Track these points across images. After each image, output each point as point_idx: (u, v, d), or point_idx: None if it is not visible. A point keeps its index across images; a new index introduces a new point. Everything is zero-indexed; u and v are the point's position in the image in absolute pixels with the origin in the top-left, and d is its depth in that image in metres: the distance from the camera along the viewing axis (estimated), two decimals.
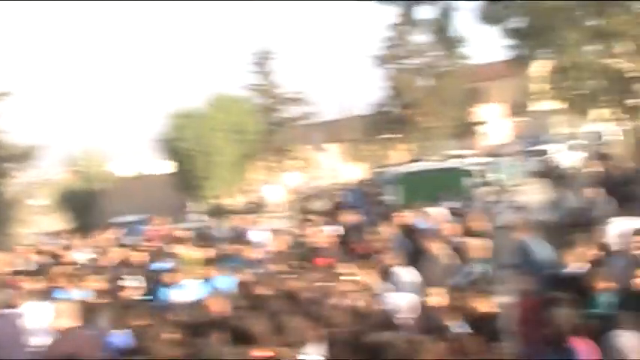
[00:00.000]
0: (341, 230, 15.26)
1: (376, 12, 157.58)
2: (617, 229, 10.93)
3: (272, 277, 10.42)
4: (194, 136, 46.07)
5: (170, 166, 50.51)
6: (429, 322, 7.82)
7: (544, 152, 38.88)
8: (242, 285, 10.06)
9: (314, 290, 9.08)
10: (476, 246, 10.63)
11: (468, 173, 20.54)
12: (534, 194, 20.33)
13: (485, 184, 21.14)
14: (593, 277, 8.30)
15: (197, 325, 7.77)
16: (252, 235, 17.17)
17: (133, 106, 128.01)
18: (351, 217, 16.61)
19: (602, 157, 24.17)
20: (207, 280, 11.33)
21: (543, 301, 8.05)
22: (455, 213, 15.71)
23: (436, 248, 11.13)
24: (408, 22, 31.85)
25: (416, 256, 11.35)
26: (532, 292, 8.87)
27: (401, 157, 48.88)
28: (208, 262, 13.10)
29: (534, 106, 49.49)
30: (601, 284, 8.15)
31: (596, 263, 9.14)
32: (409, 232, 13.44)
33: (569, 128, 47.83)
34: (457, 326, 7.27)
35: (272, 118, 54.17)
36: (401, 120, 53.24)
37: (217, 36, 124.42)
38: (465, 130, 54.74)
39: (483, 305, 7.65)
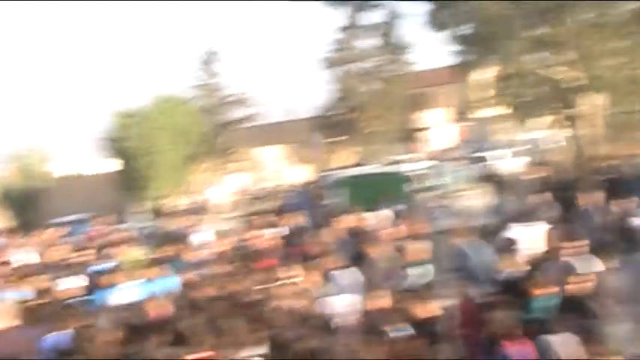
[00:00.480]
0: (284, 232, 15.26)
1: (324, 15, 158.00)
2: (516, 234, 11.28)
3: (214, 279, 10.39)
4: (138, 136, 45.61)
5: (113, 166, 49.93)
6: (370, 324, 7.88)
7: (486, 158, 39.33)
8: (184, 287, 10.01)
9: (256, 292, 9.09)
10: (417, 249, 10.74)
11: (411, 178, 20.73)
12: (476, 199, 20.56)
13: (428, 188, 21.35)
14: (530, 282, 8.46)
15: (137, 326, 7.72)
16: (196, 237, 17.07)
17: (77, 105, 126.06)
18: (294, 220, 16.64)
19: (543, 164, 24.65)
20: (148, 281, 11.21)
21: (482, 305, 8.21)
22: (397, 217, 15.86)
23: (378, 251, 11.21)
24: (354, 25, 32.08)
25: (358, 259, 11.40)
26: (471, 295, 9.00)
27: (345, 161, 49.10)
28: (150, 263, 12.99)
29: (478, 113, 50.04)
30: (537, 288, 8.31)
31: (533, 268, 9.32)
32: (352, 235, 13.50)
33: (512, 135, 48.55)
34: (398, 329, 7.34)
35: (217, 120, 53.87)
36: (346, 123, 53.43)
37: (163, 36, 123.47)
38: (410, 135, 55.16)
39: (424, 308, 7.74)
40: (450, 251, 11.51)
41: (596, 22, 20.59)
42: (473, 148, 47.93)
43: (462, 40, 21.72)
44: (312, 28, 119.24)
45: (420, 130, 56.70)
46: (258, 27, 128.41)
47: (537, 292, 8.30)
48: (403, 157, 37.88)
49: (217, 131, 52.79)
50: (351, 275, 10.31)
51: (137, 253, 14.63)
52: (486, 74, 24.26)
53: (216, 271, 11.46)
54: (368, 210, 15.92)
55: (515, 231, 12.45)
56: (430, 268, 10.68)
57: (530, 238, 11.44)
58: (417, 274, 10.19)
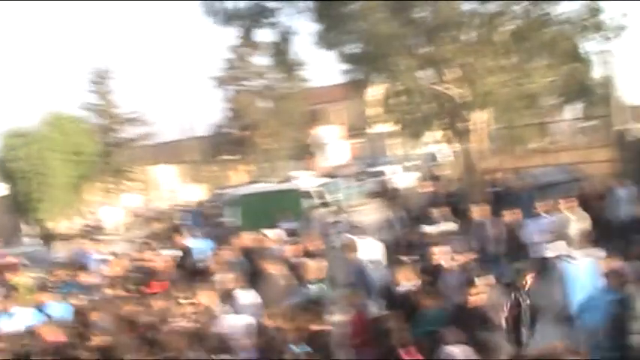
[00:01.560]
0: (179, 253, 15.11)
1: (216, 33, 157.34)
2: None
3: (108, 302, 10.22)
4: (28, 157, 44.22)
5: (3, 188, 48.26)
6: (268, 343, 7.92)
7: (380, 173, 39.99)
8: (77, 312, 9.80)
9: (151, 314, 8.99)
10: (313, 266, 10.82)
11: (306, 194, 20.88)
12: (371, 214, 20.90)
13: (323, 204, 21.56)
14: (422, 295, 8.67)
15: (29, 354, 7.53)
16: (89, 260, 16.69)
17: None
18: (189, 240, 16.49)
19: (434, 178, 25.27)
20: (40, 307, 10.91)
21: (374, 318, 8.37)
22: (293, 234, 15.95)
23: (274, 269, 11.25)
24: (247, 44, 32.03)
25: (254, 278, 11.41)
26: (365, 309, 9.15)
27: (240, 179, 49.03)
28: (41, 288, 12.65)
29: (371, 129, 50.93)
30: (428, 301, 8.52)
31: (425, 281, 9.54)
32: (247, 253, 13.49)
33: (404, 150, 49.59)
34: (296, 347, 7.40)
35: (110, 139, 52.85)
36: (240, 141, 53.44)
37: (54, 54, 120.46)
38: (304, 152, 55.59)
39: (318, 324, 7.81)
40: (346, 267, 11.63)
41: (480, 40, 21.30)
42: (367, 163, 48.67)
43: (352, 58, 22.05)
44: (206, 45, 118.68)
45: (315, 146, 57.15)
46: (152, 45, 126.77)
47: (428, 304, 8.51)
48: (298, 174, 38.11)
49: (111, 150, 51.81)
50: (248, 294, 10.31)
51: (28, 278, 14.22)
52: (377, 91, 24.71)
53: (111, 294, 11.27)
54: (263, 228, 15.94)
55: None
56: (327, 285, 10.77)
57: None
58: (313, 291, 10.25)
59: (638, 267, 8.01)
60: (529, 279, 8.67)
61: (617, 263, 8.41)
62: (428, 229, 15.26)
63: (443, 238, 12.44)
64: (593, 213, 14.09)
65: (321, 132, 59.64)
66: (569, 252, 10.76)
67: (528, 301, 8.51)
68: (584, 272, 9.76)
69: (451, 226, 14.75)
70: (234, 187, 32.10)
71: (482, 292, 7.74)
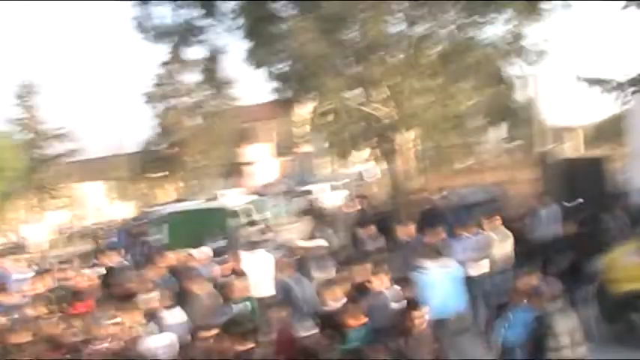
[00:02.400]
0: (104, 271, 14.87)
1: (146, 50, 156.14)
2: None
3: (30, 322, 9.99)
4: None
5: None
6: None
7: (308, 192, 40.07)
8: None
9: (74, 335, 8.84)
10: (240, 285, 10.78)
11: (233, 213, 20.78)
12: (299, 233, 20.88)
13: (251, 223, 21.49)
14: (346, 314, 8.72)
15: None
16: (9, 279, 16.28)
17: None
18: (114, 258, 16.23)
19: (362, 197, 25.43)
20: None
21: (300, 337, 8.40)
22: (220, 253, 15.85)
23: (200, 289, 11.17)
24: (177, 61, 31.97)
25: (180, 297, 11.32)
26: (290, 328, 9.16)
27: (168, 196, 48.59)
28: None
29: (300, 147, 51.20)
30: (353, 320, 8.58)
31: (350, 300, 9.59)
32: (174, 272, 13.36)
33: (333, 169, 49.89)
34: None
35: (35, 155, 51.86)
36: (169, 159, 53.01)
37: None
38: (233, 170, 55.41)
39: (244, 343, 7.78)
40: (279, 284, 11.63)
41: (407, 62, 21.66)
42: (295, 182, 48.72)
43: (280, 77, 22.18)
44: (135, 62, 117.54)
45: (244, 164, 57.05)
46: (79, 60, 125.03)
47: (353, 323, 8.56)
48: (227, 192, 37.95)
49: (36, 166, 50.81)
50: (173, 314, 10.21)
51: None
52: (306, 110, 24.88)
53: (33, 313, 11.02)
54: (190, 247, 15.79)
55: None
56: (254, 304, 10.74)
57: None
58: (239, 310, 10.21)
59: (557, 284, 8.20)
60: None
61: (535, 281, 8.61)
62: (353, 247, 15.38)
63: (368, 257, 12.52)
64: (516, 232, 14.36)
65: (250, 150, 59.56)
66: (422, 264, 11.19)
67: None
68: (440, 281, 10.67)
69: (377, 245, 14.85)
70: (161, 205, 31.80)
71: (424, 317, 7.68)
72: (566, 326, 7.49)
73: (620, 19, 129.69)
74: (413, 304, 8.24)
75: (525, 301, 8.22)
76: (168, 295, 10.67)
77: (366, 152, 26.27)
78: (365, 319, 8.67)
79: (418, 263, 11.19)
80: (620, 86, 26.23)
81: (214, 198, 31.10)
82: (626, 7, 26.35)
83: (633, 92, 24.35)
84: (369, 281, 10.19)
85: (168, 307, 10.34)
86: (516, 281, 9.00)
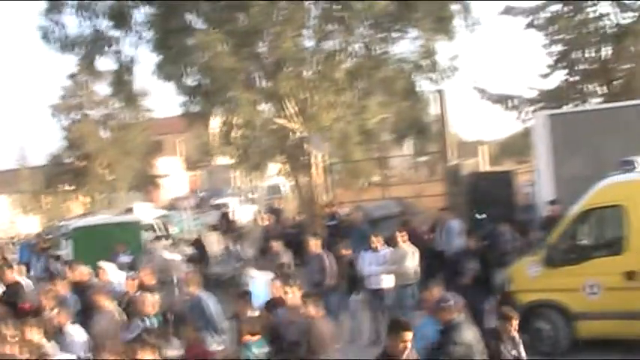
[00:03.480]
0: (8, 288, 14.45)
1: (55, 60, 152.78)
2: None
3: None
4: None
5: None
6: None
7: (221, 206, 39.92)
8: None
9: None
10: (148, 300, 10.64)
11: (142, 227, 20.53)
12: (211, 247, 20.78)
13: (163, 237, 21.27)
14: (246, 326, 8.74)
15: None
16: None
17: None
18: (16, 274, 15.77)
19: (274, 211, 25.50)
20: None
21: (211, 352, 8.39)
22: (130, 267, 15.64)
23: (108, 304, 10.99)
24: (87, 72, 31.39)
25: (88, 313, 11.12)
26: (202, 343, 9.12)
27: (78, 210, 47.62)
28: None
29: (212, 161, 50.90)
30: (248, 335, 8.59)
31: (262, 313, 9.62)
32: (82, 288, 13.10)
33: (245, 183, 49.79)
34: None
35: None
36: (79, 171, 51.95)
37: None
38: (145, 183, 54.69)
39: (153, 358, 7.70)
40: (185, 300, 11.54)
41: (319, 76, 21.86)
42: (207, 196, 48.46)
43: (192, 90, 22.07)
44: (44, 72, 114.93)
45: (155, 177, 56.35)
46: None
47: (250, 338, 8.58)
48: (138, 206, 37.40)
49: None
50: (80, 330, 10.02)
51: None
52: (217, 124, 24.78)
53: None
54: (99, 261, 15.50)
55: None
56: (164, 318, 10.63)
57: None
58: (149, 325, 10.08)
59: (460, 297, 8.37)
60: None
61: (439, 294, 8.78)
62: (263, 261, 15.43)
63: (279, 271, 12.56)
64: (423, 245, 14.62)
65: (161, 163, 58.89)
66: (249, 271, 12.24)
67: None
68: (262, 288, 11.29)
69: (286, 259, 14.89)
70: (70, 219, 31.13)
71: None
72: (469, 338, 7.66)
73: (524, 39, 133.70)
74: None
75: (430, 313, 8.37)
76: (71, 312, 10.46)
77: (277, 166, 26.34)
78: (260, 335, 8.68)
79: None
80: (521, 104, 27.13)
81: (123, 212, 30.61)
82: (528, 26, 27.31)
83: (534, 110, 25.19)
84: (281, 295, 10.23)
85: (74, 324, 10.14)
86: (421, 294, 9.15)
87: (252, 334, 8.56)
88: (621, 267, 11.45)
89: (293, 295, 9.94)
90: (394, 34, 22.24)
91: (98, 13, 22.88)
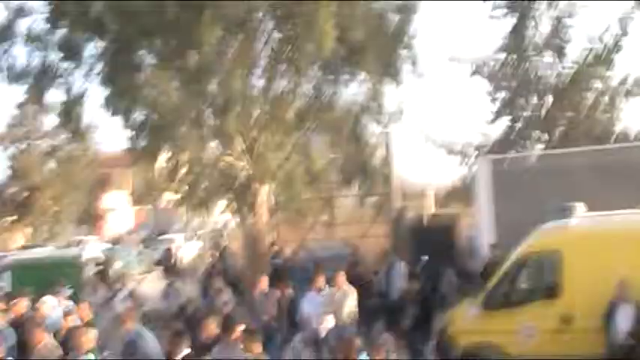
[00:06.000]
0: None
1: (3, 90, 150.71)
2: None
3: None
4: None
5: None
6: None
7: (166, 242, 39.60)
8: None
9: None
10: (86, 337, 10.52)
11: (84, 262, 20.27)
12: (153, 284, 20.60)
13: (105, 272, 21.04)
14: None
15: None
16: None
17: None
18: None
19: (219, 249, 25.43)
20: None
21: None
22: (69, 302, 15.42)
23: (41, 340, 10.82)
24: (35, 103, 31.10)
25: (24, 347, 10.96)
26: None
27: (19, 242, 46.80)
28: None
29: (159, 197, 50.56)
30: None
31: (201, 352, 9.57)
32: (19, 321, 12.90)
33: (191, 220, 49.41)
34: None
35: None
36: (22, 203, 51.11)
37: None
38: (90, 216, 54.02)
39: None
40: (123, 336, 11.42)
41: (267, 116, 22.01)
42: (152, 232, 48.04)
43: (139, 125, 22.01)
44: None
45: (99, 212, 55.71)
46: None
47: None
48: (81, 239, 36.95)
49: None
50: None
51: None
52: (164, 160, 24.68)
53: None
54: (38, 295, 15.27)
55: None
56: (97, 354, 10.51)
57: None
58: None
59: (393, 340, 8.45)
60: None
61: (376, 336, 8.82)
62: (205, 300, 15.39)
63: (221, 310, 12.55)
64: (364, 288, 14.70)
65: (106, 198, 58.25)
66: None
67: None
68: None
69: (227, 298, 14.87)
70: (10, 251, 30.60)
71: None
72: None
73: (470, 86, 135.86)
74: None
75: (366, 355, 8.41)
76: (7, 346, 10.30)
77: (222, 205, 26.28)
78: None
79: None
80: (464, 149, 27.60)
81: (66, 246, 30.20)
82: (474, 74, 27.91)
83: (476, 156, 25.64)
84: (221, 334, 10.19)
85: (7, 358, 9.97)
86: (355, 337, 9.13)
87: None
88: (557, 311, 11.71)
89: (235, 334, 9.91)
90: (343, 77, 22.53)
91: (48, 45, 22.74)
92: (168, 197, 42.10)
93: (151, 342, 10.69)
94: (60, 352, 10.57)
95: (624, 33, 25.99)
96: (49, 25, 22.36)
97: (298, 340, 14.21)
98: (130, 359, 9.90)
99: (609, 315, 11.07)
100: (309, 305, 13.69)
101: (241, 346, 9.40)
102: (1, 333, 11.71)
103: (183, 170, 23.69)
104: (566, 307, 11.62)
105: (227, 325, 10.17)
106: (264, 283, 14.65)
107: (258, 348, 9.11)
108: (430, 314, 13.22)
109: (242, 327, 9.92)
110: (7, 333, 11.91)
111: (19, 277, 18.86)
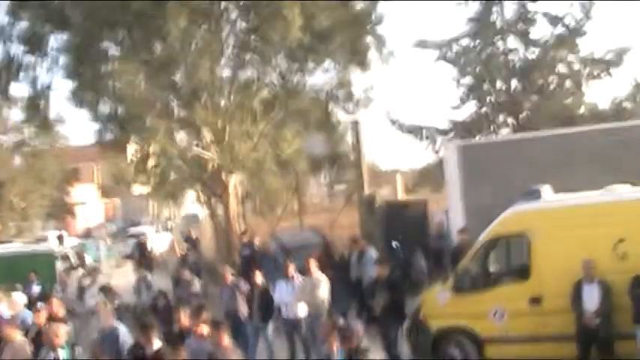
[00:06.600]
0: None
1: None
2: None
3: None
4: None
5: None
6: None
7: (137, 234, 39.41)
8: None
9: None
10: (57, 332, 10.47)
11: (54, 256, 20.15)
12: (124, 277, 20.55)
13: (76, 266, 20.93)
14: (167, 358, 8.73)
15: None
16: None
17: None
18: None
19: (190, 240, 25.35)
20: None
21: None
22: (40, 297, 15.33)
23: (17, 335, 10.78)
24: (0, 97, 30.81)
25: None
26: None
27: None
28: None
29: (128, 189, 50.33)
30: None
31: (172, 343, 9.57)
32: None
33: (161, 211, 49.34)
34: None
35: None
36: None
37: None
38: (60, 211, 53.53)
39: None
40: (99, 331, 11.40)
41: (235, 105, 21.99)
42: (123, 224, 47.82)
43: (106, 118, 21.89)
44: None
45: (68, 206, 55.23)
46: None
47: None
48: (50, 234, 36.64)
49: None
50: None
51: None
52: (135, 152, 24.60)
53: None
54: (8, 291, 15.18)
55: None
56: (74, 350, 10.49)
57: None
58: (57, 357, 9.92)
59: (361, 325, 8.46)
60: None
61: (342, 322, 8.83)
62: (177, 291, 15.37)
63: (191, 301, 12.54)
64: (335, 274, 14.74)
65: (75, 192, 57.77)
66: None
67: None
68: None
69: (198, 289, 14.87)
70: None
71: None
72: None
73: (436, 71, 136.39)
74: None
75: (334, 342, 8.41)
76: None
77: (192, 195, 26.27)
78: None
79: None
80: (431, 134, 27.76)
81: (38, 241, 29.93)
82: (439, 59, 28.05)
83: (444, 141, 25.81)
84: (191, 325, 10.21)
85: None
86: (326, 323, 9.16)
87: None
88: (526, 293, 11.82)
89: (201, 325, 9.93)
90: (309, 65, 22.56)
91: (12, 38, 22.53)
92: (139, 189, 42.02)
93: (126, 336, 10.67)
94: (31, 348, 10.52)
95: (587, 16, 26.25)
96: (11, 18, 22.15)
97: (270, 328, 14.29)
98: (106, 351, 9.88)
99: (576, 295, 11.22)
100: (280, 294, 13.72)
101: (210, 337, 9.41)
102: None
103: (152, 162, 23.62)
104: (535, 288, 11.73)
105: (195, 316, 10.21)
106: (227, 273, 14.58)
107: (225, 339, 9.11)
108: (401, 300, 13.26)
109: (206, 318, 9.92)
110: None
111: None
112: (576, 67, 26.95)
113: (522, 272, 12.21)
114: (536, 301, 11.72)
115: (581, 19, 26.27)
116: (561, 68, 27.14)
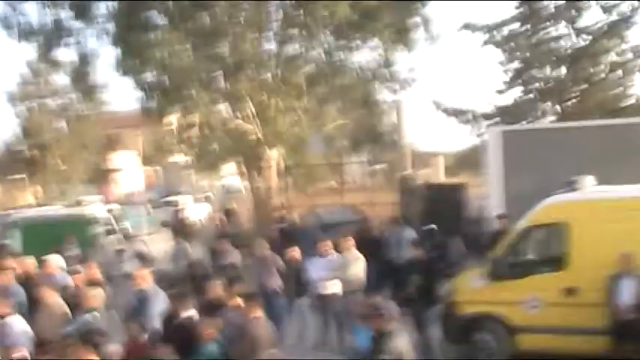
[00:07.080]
0: None
1: (11, 47, 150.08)
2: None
3: None
4: None
5: None
6: None
7: (173, 203, 39.67)
8: None
9: None
10: (93, 295, 10.57)
11: (92, 221, 20.34)
12: (160, 244, 20.69)
13: (112, 231, 21.12)
14: (201, 327, 8.76)
15: None
16: None
17: None
18: None
19: (226, 211, 25.49)
20: None
21: (149, 348, 8.38)
22: (77, 261, 15.50)
23: (52, 297, 10.91)
24: (45, 61, 31.07)
25: (31, 306, 11.04)
26: (141, 339, 9.09)
27: (27, 200, 46.95)
28: None
29: (167, 158, 50.65)
30: (206, 333, 8.63)
31: (206, 313, 9.61)
32: (25, 280, 12.98)
33: (199, 181, 49.54)
34: None
35: None
36: (29, 161, 51.19)
37: None
38: (99, 176, 54.12)
39: (91, 354, 7.65)
40: (132, 295, 11.49)
41: (276, 80, 21.94)
42: (160, 193, 48.13)
43: (149, 86, 21.97)
44: (1, 59, 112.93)
45: (108, 171, 55.80)
46: None
47: (205, 337, 8.62)
48: (89, 199, 37.04)
49: None
50: (21, 321, 9.94)
51: None
52: (176, 121, 24.72)
53: None
54: (46, 254, 15.34)
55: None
56: (109, 314, 10.59)
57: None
58: (89, 320, 10.01)
59: (394, 306, 8.38)
60: None
61: (376, 302, 8.76)
62: (211, 261, 15.44)
63: (226, 272, 12.57)
64: (371, 254, 14.69)
65: (116, 158, 58.31)
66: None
67: None
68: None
69: (233, 260, 14.90)
70: (19, 209, 30.72)
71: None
72: (399, 347, 7.69)
73: (482, 55, 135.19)
74: None
75: (365, 321, 8.38)
76: (14, 303, 10.36)
77: (231, 167, 26.36)
78: (216, 334, 8.71)
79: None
80: (474, 118, 27.49)
81: (74, 205, 30.26)
82: (486, 43, 27.72)
83: (488, 125, 25.53)
84: (225, 296, 10.23)
85: (17, 316, 10.04)
86: (359, 302, 9.17)
87: (202, 335, 8.60)
88: (562, 283, 11.69)
89: (234, 296, 9.95)
90: (355, 43, 22.42)
91: (60, 3, 22.68)
92: (178, 158, 42.26)
93: (162, 301, 10.71)
94: (66, 309, 10.64)
95: None
96: None
97: (304, 303, 14.32)
98: (138, 317, 9.94)
99: (612, 288, 11.08)
100: (314, 269, 13.71)
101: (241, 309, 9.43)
102: (9, 289, 11.78)
103: (193, 132, 23.73)
104: (571, 279, 11.60)
105: (229, 288, 10.24)
106: (268, 245, 14.61)
107: (257, 311, 9.12)
108: (434, 283, 13.19)
109: (239, 290, 9.94)
110: (15, 290, 12.00)
111: (26, 236, 18.96)
112: (629, 55, 26.46)
113: (558, 262, 12.06)
114: (571, 292, 11.59)
115: (635, 8, 25.70)
116: (612, 57, 26.66)
